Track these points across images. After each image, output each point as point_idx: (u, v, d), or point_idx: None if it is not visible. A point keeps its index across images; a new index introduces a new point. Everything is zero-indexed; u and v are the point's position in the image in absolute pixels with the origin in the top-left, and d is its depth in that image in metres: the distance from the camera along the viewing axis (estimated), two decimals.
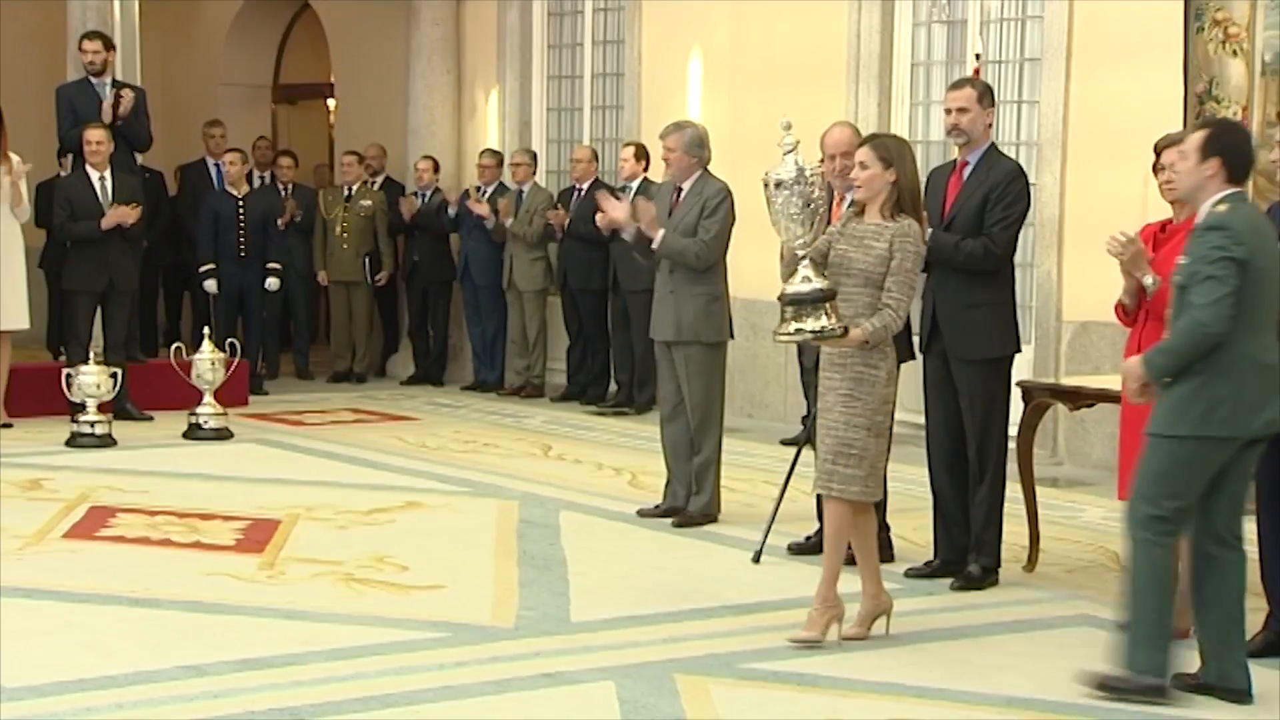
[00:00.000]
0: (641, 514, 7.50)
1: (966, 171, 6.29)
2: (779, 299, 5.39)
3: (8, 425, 9.63)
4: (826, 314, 5.27)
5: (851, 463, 5.38)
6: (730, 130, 10.10)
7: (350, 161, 12.47)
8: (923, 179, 5.92)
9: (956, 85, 6.48)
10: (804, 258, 5.32)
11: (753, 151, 8.17)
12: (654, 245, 7.22)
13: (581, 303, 11.20)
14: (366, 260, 12.31)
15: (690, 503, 7.41)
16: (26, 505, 7.56)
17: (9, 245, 9.63)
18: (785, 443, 9.29)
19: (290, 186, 12.46)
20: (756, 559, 6.61)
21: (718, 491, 7.42)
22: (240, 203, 11.46)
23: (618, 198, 7.97)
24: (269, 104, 15.02)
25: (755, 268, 8.48)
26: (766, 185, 5.37)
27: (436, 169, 12.18)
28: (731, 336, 7.58)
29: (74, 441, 9.14)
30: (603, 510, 7.67)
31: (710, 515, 7.37)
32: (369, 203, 12.32)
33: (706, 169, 7.48)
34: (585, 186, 11.15)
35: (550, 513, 7.58)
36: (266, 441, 9.58)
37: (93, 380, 9.23)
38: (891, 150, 5.49)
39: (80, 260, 9.83)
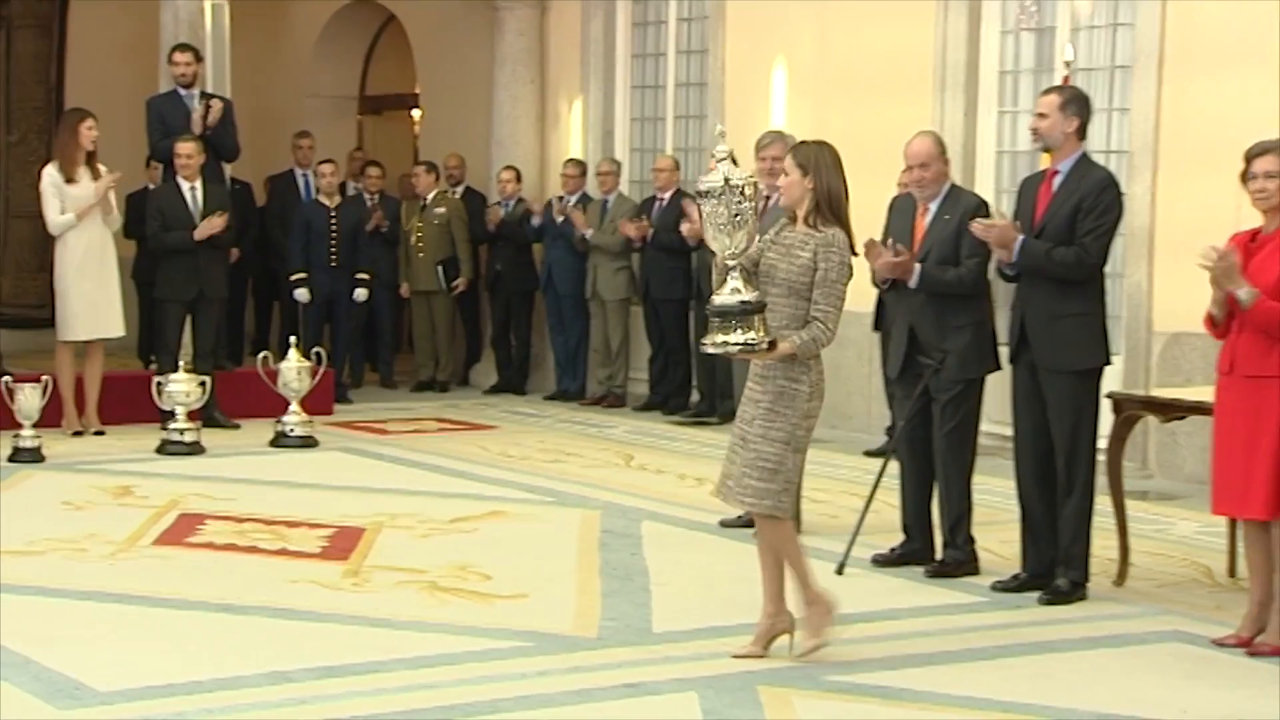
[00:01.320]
0: (724, 524, 7.47)
1: (1057, 181, 6.21)
2: (706, 310, 5.34)
3: (100, 433, 9.78)
4: (753, 327, 5.19)
5: (765, 476, 5.29)
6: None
7: (420, 171, 12.53)
8: (1012, 189, 5.86)
9: (1045, 91, 6.44)
10: (733, 268, 5.23)
11: None
12: None
13: (663, 312, 11.19)
14: (441, 268, 12.36)
15: None
16: (118, 511, 7.67)
17: (103, 254, 9.78)
18: (869, 454, 9.22)
19: (378, 196, 12.55)
20: (840, 570, 6.56)
21: (800, 503, 7.37)
22: (333, 213, 11.57)
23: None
24: (355, 115, 15.15)
25: None
26: (696, 195, 5.32)
27: (519, 179, 12.22)
28: None
29: (164, 449, 9.26)
30: (685, 521, 7.65)
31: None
32: (443, 210, 12.36)
33: None
34: (667, 196, 11.14)
35: (632, 523, 7.57)
36: (351, 450, 9.65)
37: (182, 388, 9.35)
38: (810, 157, 5.38)
39: (171, 270, 9.96)
